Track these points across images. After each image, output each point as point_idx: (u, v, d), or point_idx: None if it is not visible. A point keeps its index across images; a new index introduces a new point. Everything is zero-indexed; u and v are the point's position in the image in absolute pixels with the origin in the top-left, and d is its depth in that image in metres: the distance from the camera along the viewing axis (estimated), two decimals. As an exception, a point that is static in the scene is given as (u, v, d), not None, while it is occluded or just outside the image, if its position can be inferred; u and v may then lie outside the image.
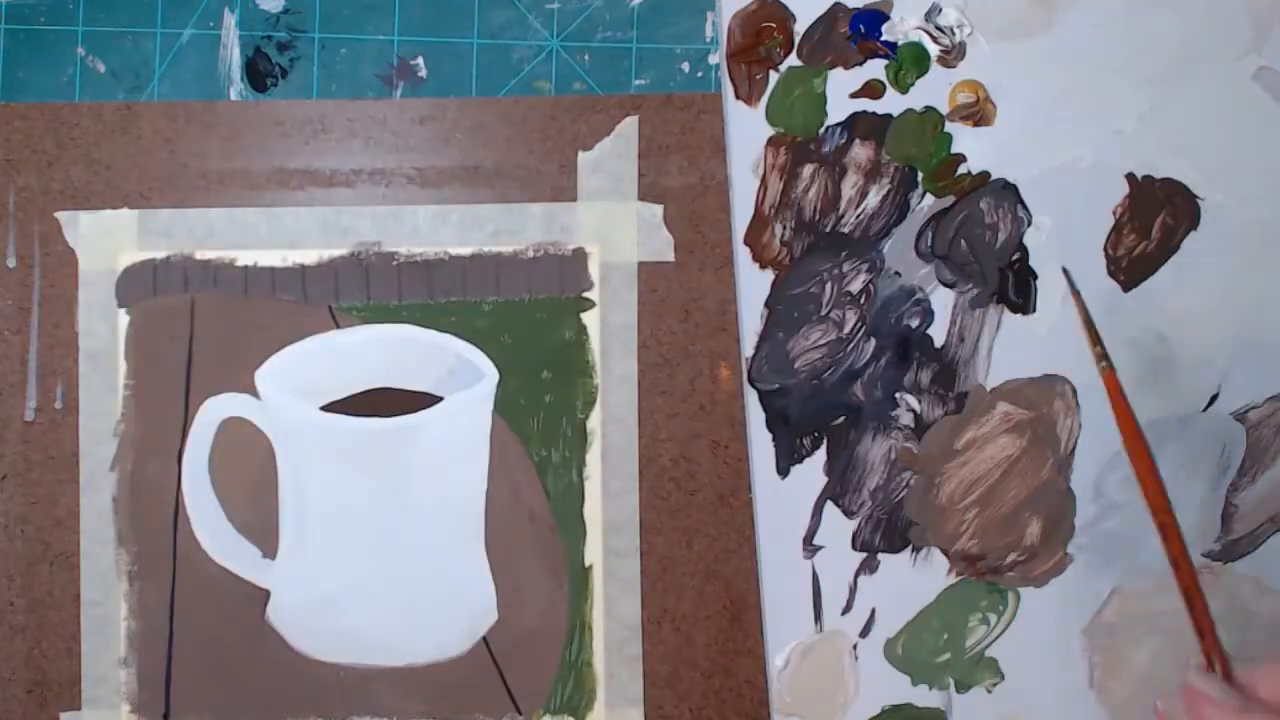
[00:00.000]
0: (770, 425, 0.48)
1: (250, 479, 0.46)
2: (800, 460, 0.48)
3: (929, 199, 0.48)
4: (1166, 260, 0.48)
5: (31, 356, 0.46)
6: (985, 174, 0.48)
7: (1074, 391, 0.48)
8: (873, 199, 0.47)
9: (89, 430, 0.46)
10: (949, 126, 0.47)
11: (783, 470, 0.48)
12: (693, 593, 0.47)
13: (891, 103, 0.47)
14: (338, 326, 0.47)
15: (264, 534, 0.46)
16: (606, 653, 0.47)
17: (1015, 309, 0.48)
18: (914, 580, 0.48)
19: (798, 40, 0.47)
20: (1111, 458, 0.49)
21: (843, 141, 0.47)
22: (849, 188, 0.47)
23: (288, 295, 0.46)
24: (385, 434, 0.45)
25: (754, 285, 0.47)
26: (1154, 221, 0.48)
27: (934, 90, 0.47)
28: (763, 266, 0.47)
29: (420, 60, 0.47)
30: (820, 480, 0.48)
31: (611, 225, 0.47)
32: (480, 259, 0.47)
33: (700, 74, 0.47)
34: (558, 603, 0.47)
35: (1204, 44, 0.48)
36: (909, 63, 0.47)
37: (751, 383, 0.48)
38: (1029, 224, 0.48)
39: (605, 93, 0.47)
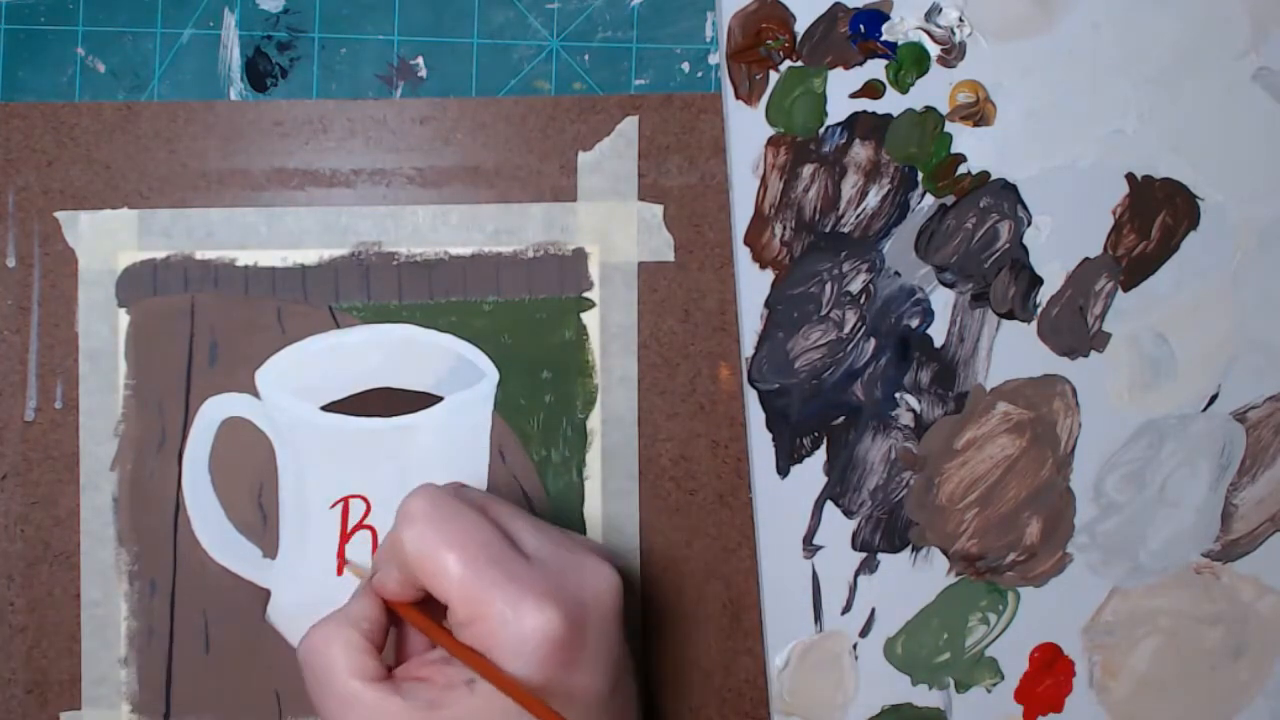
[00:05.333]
0: (770, 425, 0.48)
1: (250, 479, 0.46)
2: (800, 460, 0.48)
3: (929, 199, 0.48)
4: (1166, 260, 0.48)
5: (31, 356, 0.46)
6: (985, 174, 0.48)
7: (1074, 391, 0.48)
8: (873, 199, 0.47)
9: (89, 430, 0.46)
10: (949, 126, 0.47)
11: (783, 470, 0.48)
12: (693, 593, 0.47)
13: (891, 103, 0.47)
14: (338, 326, 0.47)
15: (264, 534, 0.46)
16: (606, 653, 0.47)
17: (1015, 316, 0.48)
18: (914, 580, 0.48)
19: (798, 40, 0.47)
20: (1111, 457, 0.49)
21: (843, 141, 0.47)
22: (849, 188, 0.47)
23: (288, 295, 0.46)
24: (385, 434, 0.45)
25: (754, 285, 0.47)
26: (1154, 221, 0.48)
27: (934, 90, 0.47)
28: (763, 266, 0.47)
29: (420, 60, 0.47)
30: (820, 480, 0.48)
31: (611, 225, 0.47)
32: (480, 259, 0.47)
33: (700, 74, 0.47)
34: (558, 603, 0.47)
35: (1204, 44, 0.48)
36: (909, 63, 0.47)
37: (751, 383, 0.48)
38: (1029, 224, 0.48)
39: (605, 93, 0.47)
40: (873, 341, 0.48)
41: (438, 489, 0.38)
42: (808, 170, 0.47)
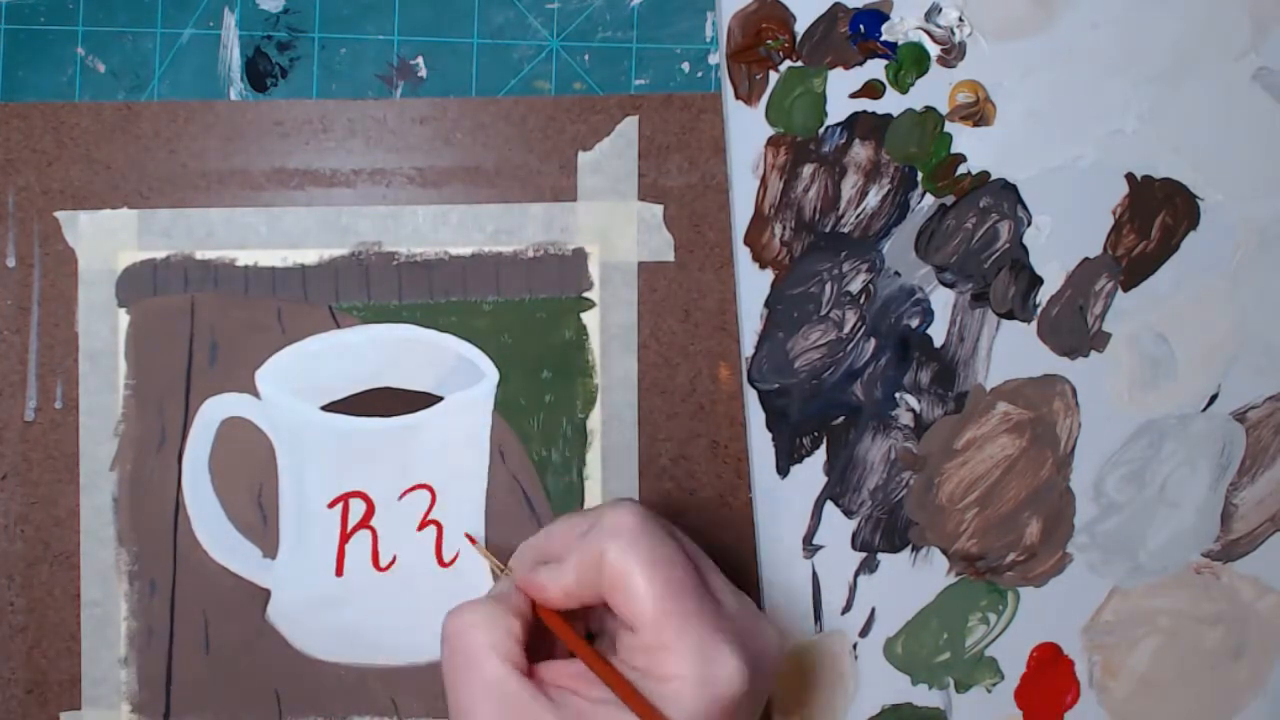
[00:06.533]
0: (770, 425, 0.48)
1: (250, 479, 0.46)
2: (800, 460, 0.48)
3: (929, 199, 0.48)
4: (1166, 260, 0.48)
5: (31, 356, 0.46)
6: (985, 174, 0.48)
7: (1074, 391, 0.48)
8: (873, 199, 0.47)
9: (89, 430, 0.46)
10: (949, 126, 0.47)
11: (783, 470, 0.48)
12: (693, 593, 0.47)
13: (891, 103, 0.47)
14: (338, 326, 0.47)
15: (264, 534, 0.46)
16: (606, 653, 0.47)
17: (1015, 316, 0.48)
18: (914, 580, 0.48)
19: (798, 40, 0.47)
20: (1111, 457, 0.49)
21: (843, 141, 0.47)
22: (849, 188, 0.47)
23: (288, 295, 0.46)
24: (385, 434, 0.45)
25: (754, 285, 0.47)
26: (1154, 221, 0.48)
27: (934, 90, 0.47)
28: (763, 266, 0.47)
29: (420, 60, 0.47)
30: (820, 480, 0.48)
31: (611, 225, 0.47)
32: (480, 259, 0.47)
33: (700, 74, 0.47)
34: (558, 603, 0.47)
35: (1204, 44, 0.48)
36: (909, 63, 0.47)
37: (751, 383, 0.48)
38: (1029, 224, 0.48)
39: (605, 93, 0.47)
40: (873, 341, 0.48)
41: (643, 507, 0.37)
42: (808, 170, 0.47)
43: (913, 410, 0.48)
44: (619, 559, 0.35)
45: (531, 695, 0.34)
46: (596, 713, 0.34)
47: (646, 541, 0.35)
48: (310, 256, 0.46)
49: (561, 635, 0.37)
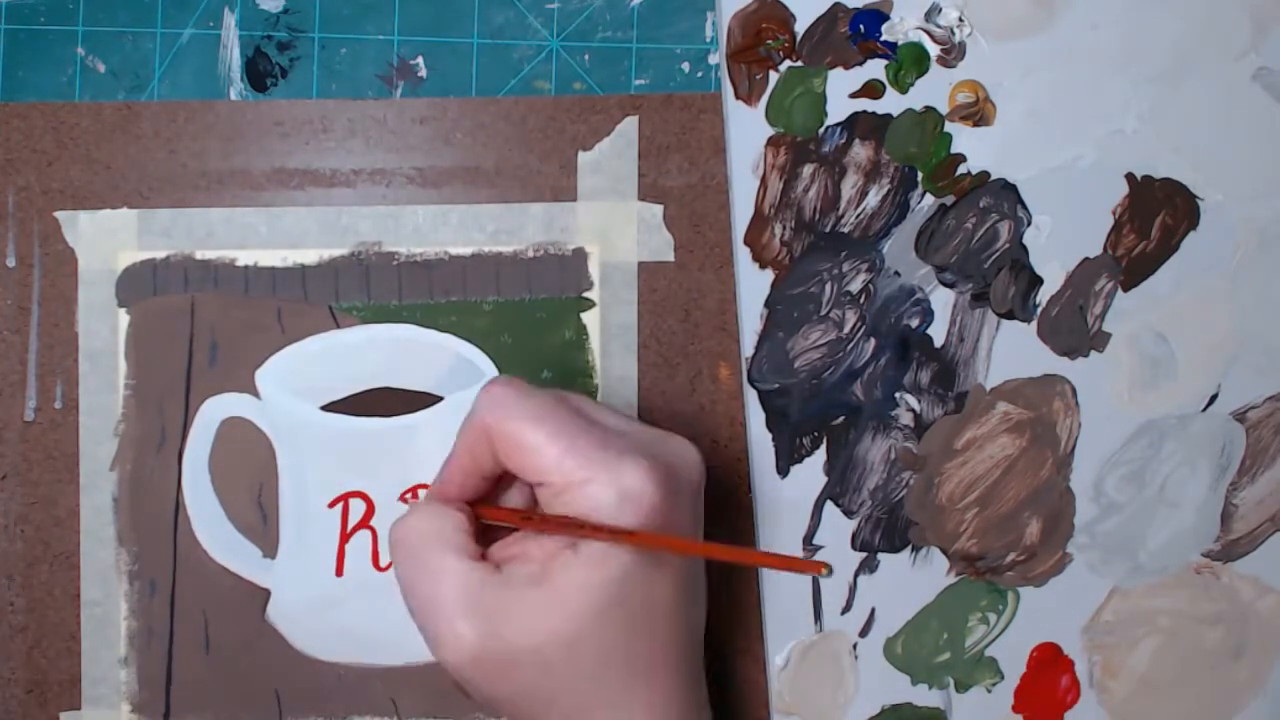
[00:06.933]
0: (770, 425, 0.48)
1: (250, 479, 0.46)
2: (800, 460, 0.48)
3: (929, 199, 0.48)
4: (1166, 260, 0.48)
5: (31, 356, 0.46)
6: (985, 174, 0.48)
7: (1074, 391, 0.48)
8: (873, 199, 0.47)
9: (89, 430, 0.46)
10: (949, 126, 0.47)
11: (783, 470, 0.48)
12: (693, 593, 0.47)
13: (891, 103, 0.47)
14: (338, 326, 0.47)
15: (264, 534, 0.46)
16: (606, 653, 0.47)
17: (1015, 316, 0.48)
18: (914, 580, 0.48)
19: (798, 40, 0.47)
20: (1111, 457, 0.49)
21: (843, 141, 0.47)
22: (849, 188, 0.47)
23: (288, 295, 0.46)
24: (385, 434, 0.45)
25: (754, 285, 0.47)
26: (1154, 221, 0.48)
27: (934, 90, 0.47)
28: (763, 266, 0.47)
29: (420, 60, 0.47)
30: (820, 480, 0.48)
31: (611, 225, 0.47)
32: (480, 259, 0.47)
33: (700, 74, 0.47)
34: (558, 603, 0.47)
35: (1204, 44, 0.48)
36: (909, 63, 0.47)
37: (751, 383, 0.48)
38: (1029, 224, 0.48)
39: (605, 93, 0.47)
40: (873, 341, 0.48)
41: (509, 377, 0.38)
42: (808, 170, 0.47)
43: (913, 410, 0.48)
44: (504, 423, 0.36)
45: (492, 577, 0.36)
46: (548, 568, 0.35)
47: (522, 398, 0.36)
48: (310, 256, 0.46)
49: (492, 515, 0.38)
